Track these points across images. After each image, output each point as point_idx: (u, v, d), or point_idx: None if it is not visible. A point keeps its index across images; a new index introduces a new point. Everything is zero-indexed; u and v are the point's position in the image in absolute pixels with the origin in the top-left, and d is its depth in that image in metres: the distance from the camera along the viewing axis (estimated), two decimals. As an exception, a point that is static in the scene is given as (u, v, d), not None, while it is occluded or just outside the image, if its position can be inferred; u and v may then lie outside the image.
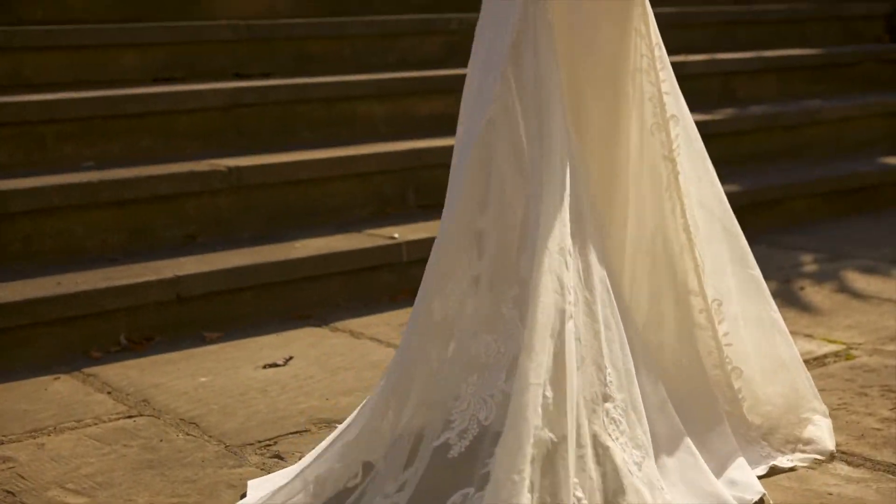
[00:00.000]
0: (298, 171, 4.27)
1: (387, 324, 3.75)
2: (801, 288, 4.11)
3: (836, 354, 3.40)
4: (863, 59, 6.35)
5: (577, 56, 2.36)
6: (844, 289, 4.11)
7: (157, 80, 4.71)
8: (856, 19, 6.84)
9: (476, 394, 2.14)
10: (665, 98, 2.46)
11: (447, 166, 4.52)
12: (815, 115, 5.64)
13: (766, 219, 5.00)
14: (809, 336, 3.57)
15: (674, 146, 2.47)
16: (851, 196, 5.29)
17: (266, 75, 4.95)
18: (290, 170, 4.25)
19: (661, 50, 2.45)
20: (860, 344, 3.49)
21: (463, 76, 5.00)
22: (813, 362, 3.33)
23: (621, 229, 2.47)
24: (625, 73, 2.43)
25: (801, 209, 5.13)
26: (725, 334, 2.53)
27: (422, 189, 4.55)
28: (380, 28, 5.21)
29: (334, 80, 4.77)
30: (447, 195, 2.35)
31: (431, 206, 4.57)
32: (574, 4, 2.35)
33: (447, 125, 4.99)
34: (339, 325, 3.76)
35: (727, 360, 2.53)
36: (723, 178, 2.60)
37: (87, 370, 3.35)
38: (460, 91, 4.65)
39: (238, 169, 4.12)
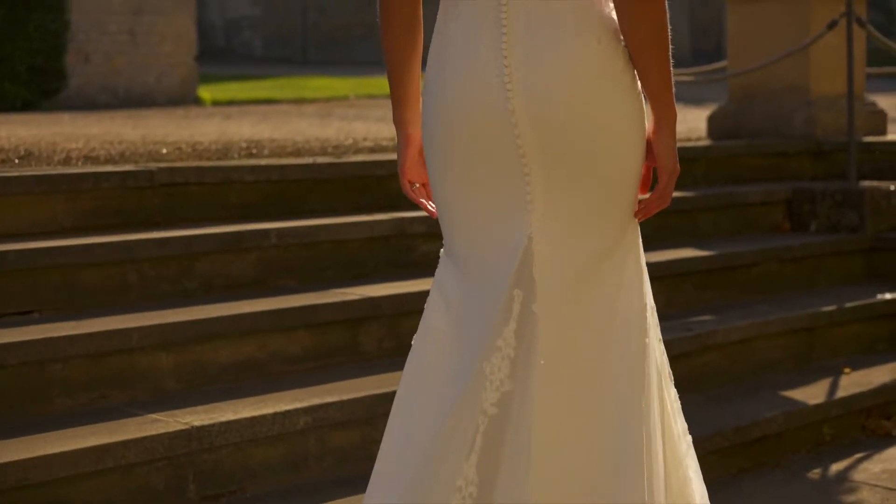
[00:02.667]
0: (31, 472, 3.11)
1: None
2: None
3: None
4: (761, 258, 5.37)
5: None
6: None
7: None
8: (752, 206, 5.87)
9: None
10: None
11: (247, 442, 3.44)
12: (708, 341, 4.61)
13: (650, 489, 3.92)
14: None
15: None
16: (752, 448, 4.25)
17: (25, 314, 3.81)
18: (22, 470, 3.10)
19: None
20: None
21: (283, 309, 3.89)
22: None
23: None
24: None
25: (692, 472, 4.06)
26: None
27: (207, 477, 3.42)
28: (176, 246, 4.10)
29: (104, 327, 3.64)
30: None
31: (222, 496, 3.45)
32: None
33: (253, 375, 3.88)
34: None
35: None
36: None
37: None
38: (279, 324, 3.51)
39: (-62, 479, 2.97)
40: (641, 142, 2.30)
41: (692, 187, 5.88)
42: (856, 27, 6.15)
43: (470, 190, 2.32)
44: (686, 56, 25.34)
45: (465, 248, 2.40)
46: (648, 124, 2.34)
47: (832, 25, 6.14)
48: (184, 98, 17.69)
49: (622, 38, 2.25)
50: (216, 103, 17.46)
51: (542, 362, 2.25)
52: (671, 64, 2.29)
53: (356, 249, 4.53)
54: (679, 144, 6.27)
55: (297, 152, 5.77)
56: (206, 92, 18.12)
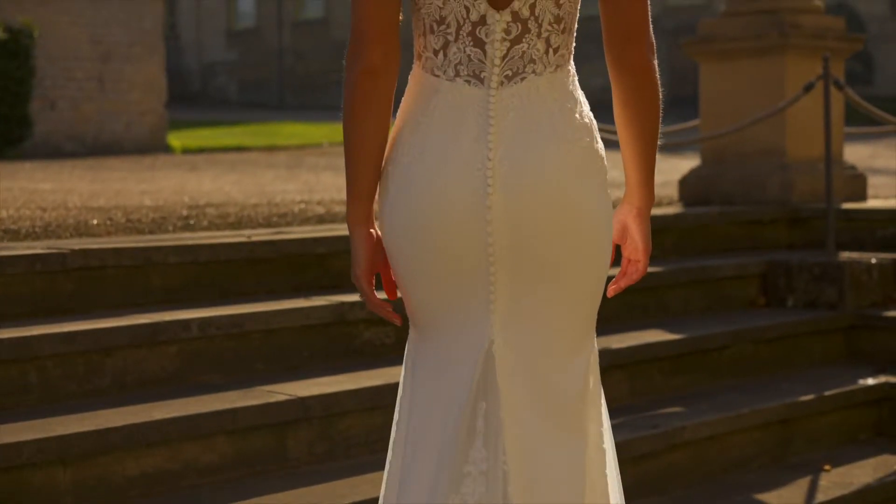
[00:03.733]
0: None
1: None
2: None
3: None
4: (734, 340, 4.95)
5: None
6: None
7: None
8: (725, 280, 5.46)
9: None
10: None
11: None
12: (676, 438, 4.19)
13: None
14: None
15: None
16: (723, 563, 3.82)
17: None
18: None
19: None
20: None
21: (199, 414, 3.46)
22: None
23: None
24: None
25: None
26: None
27: None
28: (85, 341, 3.67)
29: (-6, 438, 3.21)
30: None
31: None
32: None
33: (163, 490, 3.44)
34: None
35: None
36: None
37: None
38: (195, 430, 3.18)
39: None
40: (610, 247, 2.25)
41: (662, 261, 5.47)
42: (833, 89, 5.78)
43: (434, 284, 2.18)
44: (664, 102, 25.05)
45: (431, 338, 2.22)
46: (624, 208, 2.31)
47: (809, 88, 5.76)
48: (153, 146, 17.30)
49: (598, 140, 2.21)
50: (186, 151, 17.05)
51: (506, 468, 2.14)
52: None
53: (289, 339, 4.10)
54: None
55: (239, 223, 5.36)
56: (176, 139, 17.70)
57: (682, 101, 21.44)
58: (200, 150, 16.95)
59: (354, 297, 4.27)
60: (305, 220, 5.62)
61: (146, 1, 16.43)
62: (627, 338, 4.70)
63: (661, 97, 2.23)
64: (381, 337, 4.33)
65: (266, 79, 26.85)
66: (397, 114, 2.22)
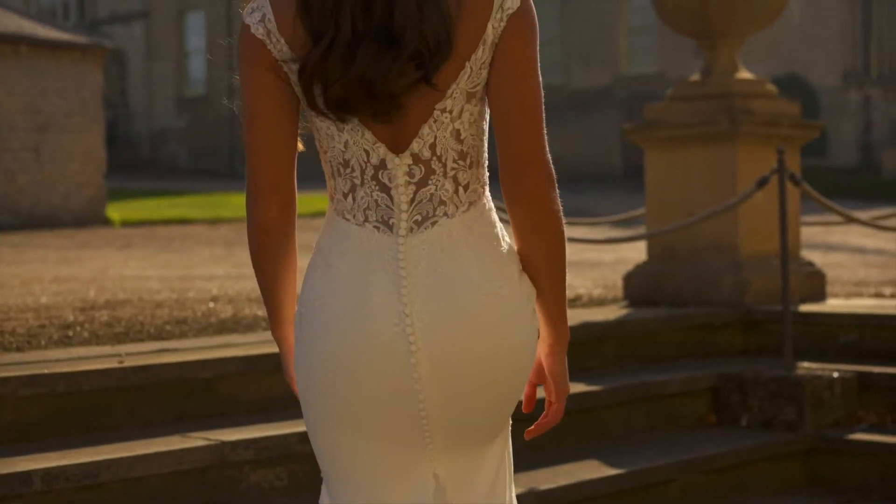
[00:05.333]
0: None
1: None
2: None
3: None
4: (680, 472, 4.34)
5: None
6: None
7: None
8: (671, 397, 4.85)
9: None
10: None
11: None
12: None
13: None
14: None
15: None
16: None
17: None
18: None
19: None
20: None
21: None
22: None
23: None
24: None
25: None
26: None
27: None
28: None
29: None
30: None
31: None
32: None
33: None
34: None
35: None
36: None
37: None
38: None
39: None
40: (530, 372, 2.15)
41: (600, 375, 4.85)
42: (789, 183, 5.22)
43: (360, 440, 2.07)
44: (617, 173, 24.66)
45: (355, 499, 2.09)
46: (538, 346, 2.15)
47: (762, 183, 5.20)
48: (91, 218, 16.62)
49: (518, 278, 2.07)
50: (126, 224, 16.37)
51: None
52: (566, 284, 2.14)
53: (158, 487, 3.45)
54: (589, 317, 5.29)
55: (126, 333, 4.72)
56: (117, 211, 17.01)
57: (637, 171, 21.00)
58: (141, 223, 16.28)
59: (242, 432, 3.64)
60: (205, 327, 4.98)
61: (85, 70, 15.82)
62: (559, 474, 4.07)
63: (563, 231, 2.06)
64: (271, 479, 3.69)
65: (216, 146, 26.24)
66: (313, 250, 2.09)
